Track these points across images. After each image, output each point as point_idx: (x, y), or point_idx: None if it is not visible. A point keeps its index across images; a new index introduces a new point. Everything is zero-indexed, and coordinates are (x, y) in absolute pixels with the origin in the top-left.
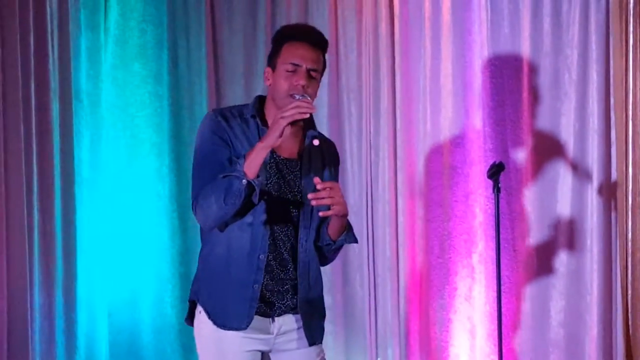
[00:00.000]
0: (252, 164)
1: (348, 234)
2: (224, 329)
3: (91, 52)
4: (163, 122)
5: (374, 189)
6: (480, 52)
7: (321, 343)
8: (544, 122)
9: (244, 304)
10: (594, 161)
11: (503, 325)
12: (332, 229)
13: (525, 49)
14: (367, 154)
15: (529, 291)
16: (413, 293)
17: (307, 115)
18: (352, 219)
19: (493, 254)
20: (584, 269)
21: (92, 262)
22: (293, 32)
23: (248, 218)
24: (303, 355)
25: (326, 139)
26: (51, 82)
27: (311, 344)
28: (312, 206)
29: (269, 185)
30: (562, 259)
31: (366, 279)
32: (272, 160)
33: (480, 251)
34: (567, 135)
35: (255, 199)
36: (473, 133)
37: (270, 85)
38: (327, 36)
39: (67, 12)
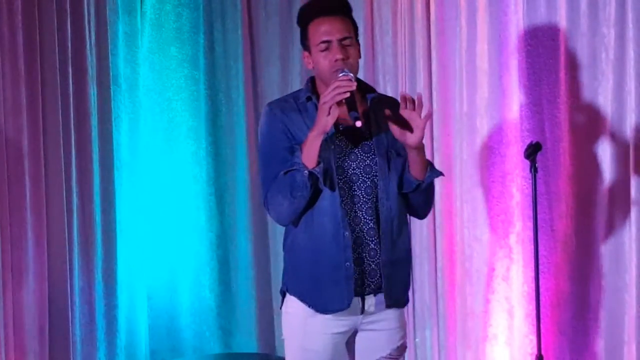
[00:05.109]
0: (309, 154)
1: (432, 169)
2: (327, 313)
3: (128, 36)
4: (200, 105)
5: None
6: (517, 32)
7: (404, 307)
8: (581, 101)
9: (341, 284)
10: (631, 140)
11: (541, 305)
12: (414, 168)
13: (561, 28)
14: None
15: (568, 271)
16: (450, 274)
17: (348, 95)
18: None
19: (531, 234)
20: (622, 248)
21: (131, 245)
22: (311, 10)
23: (323, 200)
24: (387, 335)
25: (385, 97)
26: (89, 67)
27: (388, 305)
28: (389, 162)
29: (340, 159)
30: (601, 238)
31: None
32: (340, 131)
33: (517, 231)
34: (605, 115)
35: (322, 185)
36: (509, 113)
37: (313, 68)
38: (362, 18)
39: None
